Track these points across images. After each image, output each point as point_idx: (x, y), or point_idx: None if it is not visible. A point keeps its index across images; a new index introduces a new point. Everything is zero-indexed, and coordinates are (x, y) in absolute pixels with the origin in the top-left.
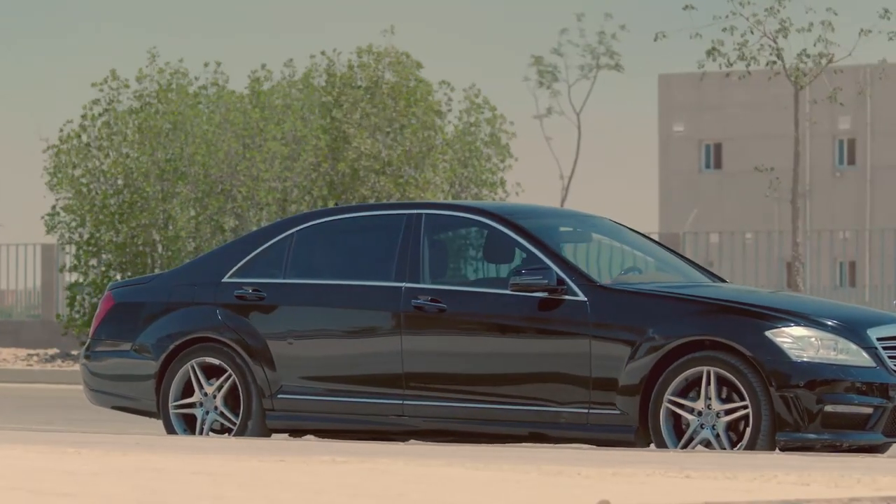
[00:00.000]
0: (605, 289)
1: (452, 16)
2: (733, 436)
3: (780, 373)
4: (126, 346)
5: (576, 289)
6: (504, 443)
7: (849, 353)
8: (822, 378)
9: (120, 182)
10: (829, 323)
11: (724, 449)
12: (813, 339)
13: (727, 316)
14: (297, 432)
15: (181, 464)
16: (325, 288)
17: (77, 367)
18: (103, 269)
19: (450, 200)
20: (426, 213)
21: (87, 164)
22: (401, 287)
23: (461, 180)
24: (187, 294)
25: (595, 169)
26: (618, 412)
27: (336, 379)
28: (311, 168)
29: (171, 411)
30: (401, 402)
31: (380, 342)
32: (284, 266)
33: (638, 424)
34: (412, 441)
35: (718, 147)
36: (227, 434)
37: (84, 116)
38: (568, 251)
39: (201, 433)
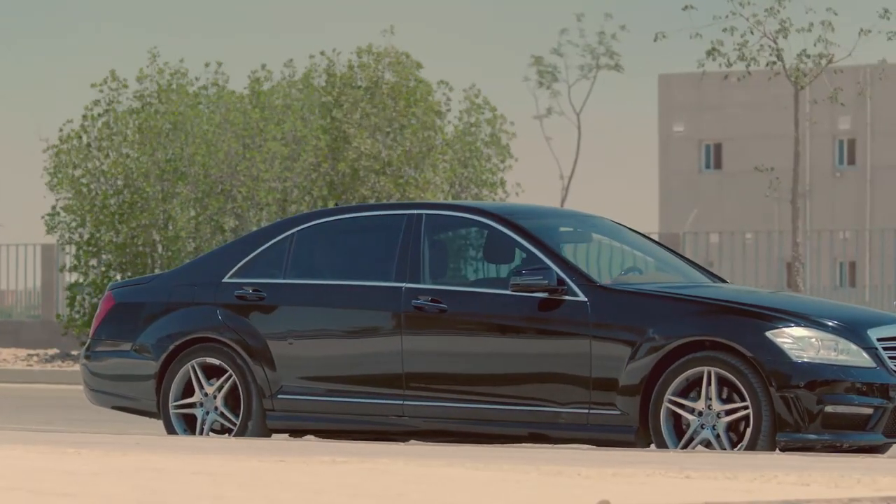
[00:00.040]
0: (605, 289)
1: (452, 16)
2: (733, 436)
3: (780, 373)
4: (126, 347)
5: (576, 289)
6: (504, 443)
7: (849, 354)
8: (822, 378)
9: (120, 182)
10: (830, 323)
11: (725, 449)
12: (813, 340)
13: (727, 316)
14: (297, 432)
15: (181, 464)
16: (325, 288)
17: (77, 367)
18: (103, 269)
19: (450, 201)
20: (426, 214)
21: (88, 164)
22: (401, 287)
23: (461, 180)
24: (187, 294)
25: (595, 169)
26: (618, 412)
27: (336, 379)
28: (311, 168)
29: (172, 411)
30: (401, 402)
31: (380, 342)
32: (285, 266)
33: (638, 425)
34: (412, 441)
35: (718, 147)
36: (227, 434)
37: (85, 117)
38: (568, 251)
39: (201, 433)
